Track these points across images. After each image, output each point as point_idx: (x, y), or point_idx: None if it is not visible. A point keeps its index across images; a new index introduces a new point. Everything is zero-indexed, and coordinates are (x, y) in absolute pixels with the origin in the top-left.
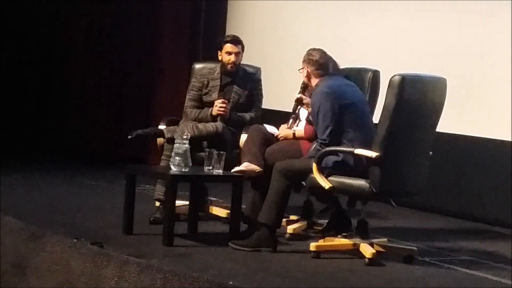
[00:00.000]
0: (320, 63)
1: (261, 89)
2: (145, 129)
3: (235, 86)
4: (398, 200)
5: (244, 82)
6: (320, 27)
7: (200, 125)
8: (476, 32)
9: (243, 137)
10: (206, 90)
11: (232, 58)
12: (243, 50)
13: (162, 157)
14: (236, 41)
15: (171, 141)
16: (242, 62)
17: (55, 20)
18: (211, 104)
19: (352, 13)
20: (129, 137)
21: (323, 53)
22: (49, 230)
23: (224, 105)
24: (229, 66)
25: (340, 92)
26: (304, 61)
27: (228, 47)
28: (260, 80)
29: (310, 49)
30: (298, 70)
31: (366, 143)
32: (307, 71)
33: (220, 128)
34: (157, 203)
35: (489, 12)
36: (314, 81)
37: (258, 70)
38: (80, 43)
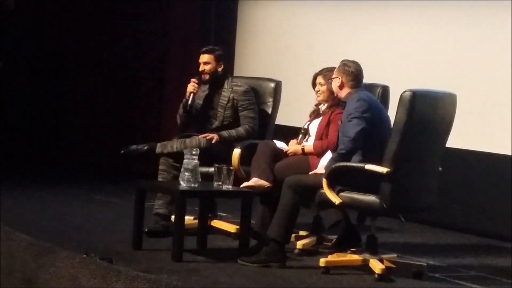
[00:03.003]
0: (355, 75)
1: (250, 101)
2: (140, 144)
3: (220, 99)
4: (407, 216)
5: (228, 93)
6: (328, 40)
7: (187, 140)
8: (480, 46)
9: (236, 151)
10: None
11: (200, 67)
12: (218, 60)
13: (159, 171)
14: (207, 50)
15: (161, 155)
16: (260, 76)
17: (65, 35)
18: (200, 114)
19: (360, 26)
20: (121, 152)
21: (358, 65)
22: (59, 245)
23: (206, 135)
24: (202, 76)
25: (376, 106)
26: (338, 70)
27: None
28: (247, 92)
29: (345, 60)
30: (328, 80)
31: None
32: (342, 81)
33: (203, 143)
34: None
35: (493, 27)
36: (345, 91)
37: (277, 83)
38: (90, 56)
